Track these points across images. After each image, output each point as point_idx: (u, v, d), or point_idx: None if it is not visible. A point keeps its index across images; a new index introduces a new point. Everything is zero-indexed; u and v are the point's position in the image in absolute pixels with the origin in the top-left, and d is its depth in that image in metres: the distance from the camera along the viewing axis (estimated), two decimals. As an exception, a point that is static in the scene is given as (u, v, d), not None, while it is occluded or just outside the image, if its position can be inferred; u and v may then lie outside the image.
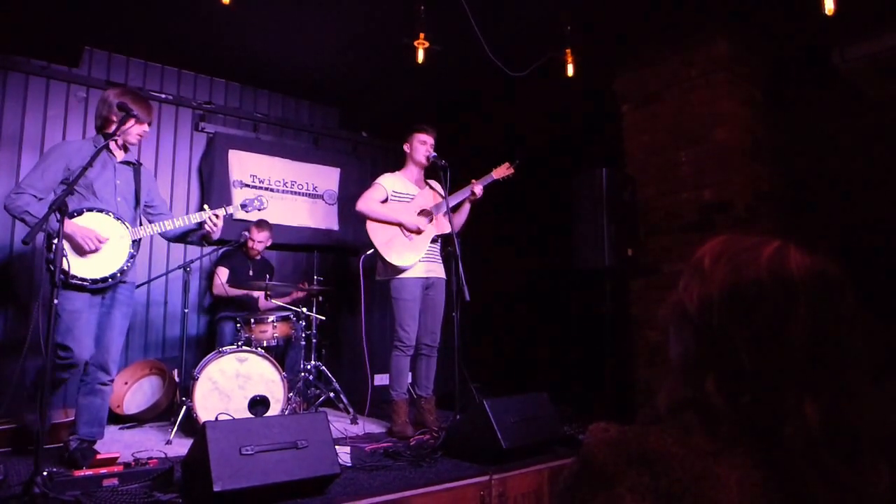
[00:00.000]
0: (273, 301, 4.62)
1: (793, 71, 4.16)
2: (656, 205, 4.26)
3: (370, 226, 3.96)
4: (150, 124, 3.26)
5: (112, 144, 3.18)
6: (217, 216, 3.33)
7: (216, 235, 3.39)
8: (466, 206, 4.13)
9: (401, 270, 3.94)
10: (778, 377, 0.72)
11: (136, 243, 3.17)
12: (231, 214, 3.58)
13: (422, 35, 3.93)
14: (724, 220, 3.86)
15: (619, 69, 4.59)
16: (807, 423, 0.69)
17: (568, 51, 4.16)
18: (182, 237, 3.47)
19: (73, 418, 3.17)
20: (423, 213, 4.07)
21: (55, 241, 2.60)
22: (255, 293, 4.81)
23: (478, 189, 4.01)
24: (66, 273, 2.86)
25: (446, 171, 3.85)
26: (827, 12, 3.11)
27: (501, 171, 4.07)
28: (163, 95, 5.11)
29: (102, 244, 3.01)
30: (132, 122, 3.13)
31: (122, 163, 3.26)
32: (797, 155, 4.10)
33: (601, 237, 3.98)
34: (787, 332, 0.73)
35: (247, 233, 4.74)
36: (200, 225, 3.38)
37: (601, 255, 3.98)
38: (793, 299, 0.74)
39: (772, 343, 0.73)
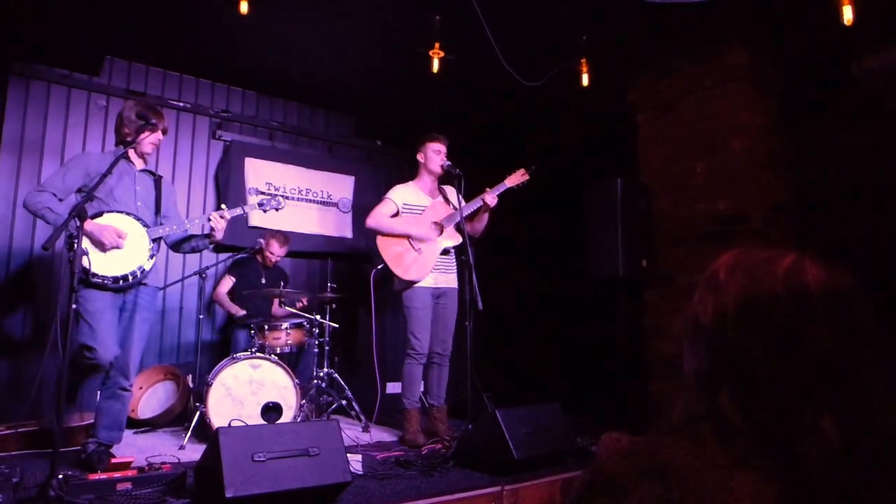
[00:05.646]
0: (286, 308, 4.64)
1: (810, 81, 4.13)
2: (671, 215, 4.23)
3: (380, 241, 3.98)
4: (164, 132, 3.31)
5: (131, 153, 3.24)
6: (222, 217, 3.32)
7: (218, 235, 3.38)
8: (484, 213, 4.11)
9: (413, 282, 3.95)
10: (794, 392, 0.71)
11: (156, 242, 3.21)
12: (247, 214, 3.59)
13: (437, 44, 3.96)
14: (739, 232, 3.83)
15: (634, 79, 4.58)
16: (824, 438, 0.69)
17: (583, 60, 4.16)
18: (186, 241, 3.47)
19: (88, 422, 3.20)
20: (434, 225, 4.08)
21: (76, 241, 2.65)
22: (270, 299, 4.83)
23: (489, 199, 3.98)
24: (86, 271, 2.91)
25: (461, 180, 3.86)
26: (845, 22, 3.10)
27: (516, 179, 4.03)
28: (180, 104, 5.18)
29: (123, 239, 3.05)
30: (147, 132, 3.18)
31: (141, 171, 3.32)
32: (814, 166, 4.06)
33: (615, 247, 3.97)
34: (803, 346, 0.72)
35: (262, 240, 4.76)
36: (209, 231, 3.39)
37: (615, 265, 3.97)
38: (809, 313, 0.73)
39: (788, 357, 0.72)
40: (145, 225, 3.17)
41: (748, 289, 0.77)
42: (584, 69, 4.16)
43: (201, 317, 4.26)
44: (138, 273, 3.10)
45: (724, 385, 0.76)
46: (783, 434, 0.70)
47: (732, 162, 3.93)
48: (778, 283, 0.76)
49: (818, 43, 3.95)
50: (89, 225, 2.93)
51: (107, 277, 3.01)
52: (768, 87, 4.08)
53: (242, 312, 4.57)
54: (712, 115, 4.07)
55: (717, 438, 0.72)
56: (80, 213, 2.66)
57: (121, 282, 3.05)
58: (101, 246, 3.01)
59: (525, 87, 4.16)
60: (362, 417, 4.36)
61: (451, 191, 4.19)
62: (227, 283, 4.79)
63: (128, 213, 3.14)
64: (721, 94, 4.03)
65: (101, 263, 3.00)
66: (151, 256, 3.16)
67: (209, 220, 3.33)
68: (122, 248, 3.06)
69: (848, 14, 3.07)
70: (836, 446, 0.68)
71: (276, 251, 4.83)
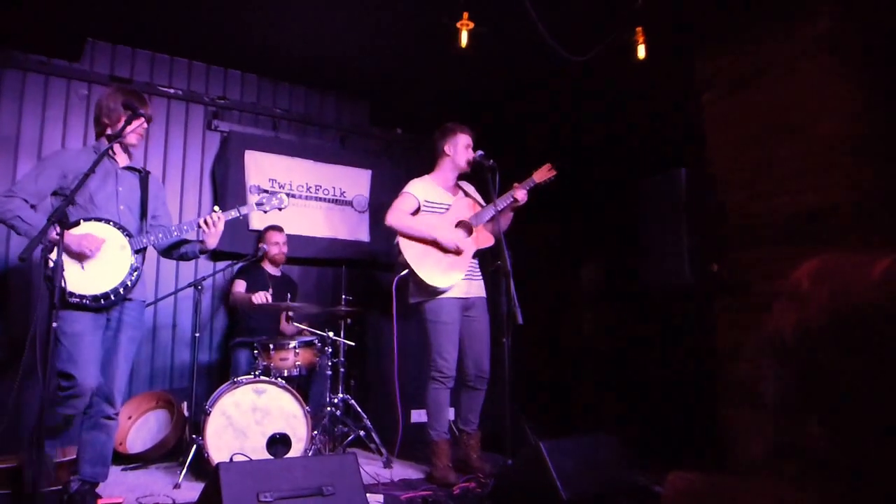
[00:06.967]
0: (296, 324, 4.67)
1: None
2: (746, 212, 4.17)
3: (402, 242, 4.01)
4: (149, 120, 3.35)
5: (115, 148, 3.28)
6: (211, 220, 3.36)
7: (212, 242, 3.42)
8: (510, 212, 4.14)
9: (438, 291, 3.96)
10: (898, 418, 0.70)
11: (140, 254, 3.25)
12: (244, 216, 3.63)
13: (465, 15, 3.96)
14: (827, 229, 3.76)
15: (700, 51, 4.53)
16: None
17: (639, 29, 4.12)
18: (176, 246, 3.52)
19: (73, 457, 3.25)
20: (460, 224, 4.09)
21: (50, 255, 2.69)
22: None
23: (520, 195, 4.01)
24: (62, 290, 2.95)
25: (495, 172, 3.86)
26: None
27: (542, 174, 4.08)
28: (172, 90, 5.27)
29: (100, 247, 3.08)
30: (138, 121, 3.23)
31: (125, 168, 3.37)
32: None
33: (680, 249, 3.93)
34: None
35: (264, 245, 4.79)
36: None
37: (681, 270, 3.93)
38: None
39: (889, 377, 0.71)
40: (128, 234, 3.20)
41: (838, 299, 0.76)
42: (641, 40, 4.12)
43: (197, 335, 4.30)
44: (121, 290, 3.13)
45: (812, 413, 0.75)
46: (886, 470, 0.69)
47: (819, 147, 3.86)
48: (873, 290, 0.75)
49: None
50: (66, 236, 2.98)
51: (86, 296, 3.04)
52: (863, 59, 3.99)
53: (267, 299, 4.57)
54: (795, 92, 3.99)
55: (805, 477, 0.71)
56: (60, 220, 2.70)
57: (101, 301, 3.08)
58: (78, 258, 3.05)
59: (569, 63, 4.13)
60: (383, 450, 4.38)
61: (469, 187, 4.23)
62: (241, 285, 4.83)
63: (107, 221, 3.17)
64: (806, 68, 3.95)
65: (78, 281, 3.02)
66: (134, 270, 3.19)
67: (198, 225, 3.37)
68: (99, 261, 3.08)
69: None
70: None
71: (278, 240, 4.88)
